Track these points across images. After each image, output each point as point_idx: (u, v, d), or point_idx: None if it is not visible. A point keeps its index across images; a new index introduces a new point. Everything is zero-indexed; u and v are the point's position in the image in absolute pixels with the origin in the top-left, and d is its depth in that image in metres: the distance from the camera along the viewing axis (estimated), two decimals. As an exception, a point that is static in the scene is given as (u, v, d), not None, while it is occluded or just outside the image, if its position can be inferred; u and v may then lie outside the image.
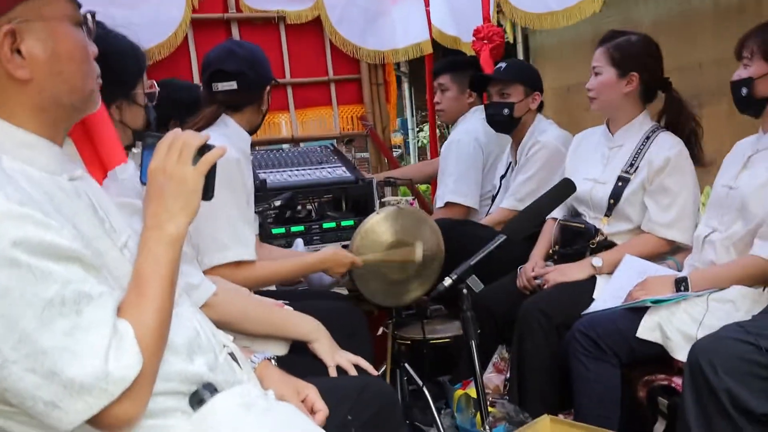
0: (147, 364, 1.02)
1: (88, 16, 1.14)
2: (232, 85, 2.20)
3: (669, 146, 2.31)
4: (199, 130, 2.15)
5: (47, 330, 0.94)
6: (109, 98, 1.54)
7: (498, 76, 2.89)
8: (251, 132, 2.31)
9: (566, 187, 1.99)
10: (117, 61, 1.54)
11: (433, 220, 2.51)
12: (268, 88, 2.24)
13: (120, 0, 3.30)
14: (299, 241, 2.69)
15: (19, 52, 1.04)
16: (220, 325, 1.61)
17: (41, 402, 0.95)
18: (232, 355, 1.29)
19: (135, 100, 1.68)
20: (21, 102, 1.07)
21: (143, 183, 1.18)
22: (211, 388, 1.16)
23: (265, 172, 3.22)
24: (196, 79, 3.57)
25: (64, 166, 1.13)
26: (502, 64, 2.91)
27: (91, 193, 1.17)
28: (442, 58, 3.60)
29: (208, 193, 1.16)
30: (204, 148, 1.16)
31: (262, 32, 3.72)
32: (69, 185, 1.12)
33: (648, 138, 2.36)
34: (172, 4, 3.47)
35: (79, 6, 1.12)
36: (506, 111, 2.86)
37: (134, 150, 1.72)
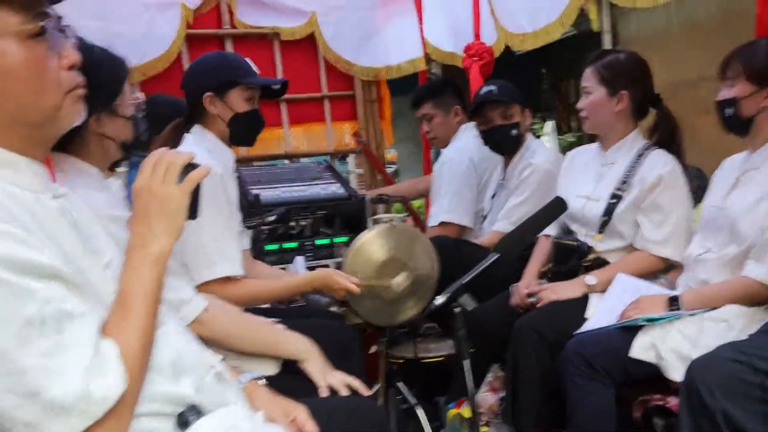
0: (131, 384, 1.00)
1: (47, 21, 1.04)
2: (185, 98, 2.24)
3: (662, 164, 2.30)
4: (166, 140, 2.14)
5: (26, 349, 0.92)
6: (87, 110, 1.52)
7: (501, 98, 2.89)
8: (236, 143, 2.27)
9: (558, 206, 1.98)
10: (91, 72, 1.51)
11: (429, 238, 2.49)
12: (207, 94, 2.15)
13: (115, 14, 3.31)
14: (299, 259, 2.66)
15: None
16: (211, 342, 1.59)
17: (21, 423, 0.93)
18: (219, 375, 1.26)
19: (117, 111, 1.63)
20: None
21: (129, 202, 1.17)
22: (197, 410, 1.14)
23: (259, 188, 3.21)
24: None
25: (48, 184, 1.12)
26: (493, 88, 2.90)
27: (75, 211, 1.15)
28: (415, 89, 3.55)
29: (194, 212, 1.15)
30: (189, 167, 1.15)
31: (257, 48, 3.72)
32: (53, 203, 1.10)
33: (641, 155, 2.36)
34: (167, 20, 3.48)
35: (38, 14, 1.03)
36: (514, 132, 2.89)
37: (120, 169, 1.70)
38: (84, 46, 1.57)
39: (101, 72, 1.52)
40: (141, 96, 1.73)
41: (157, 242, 1.11)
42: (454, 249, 2.68)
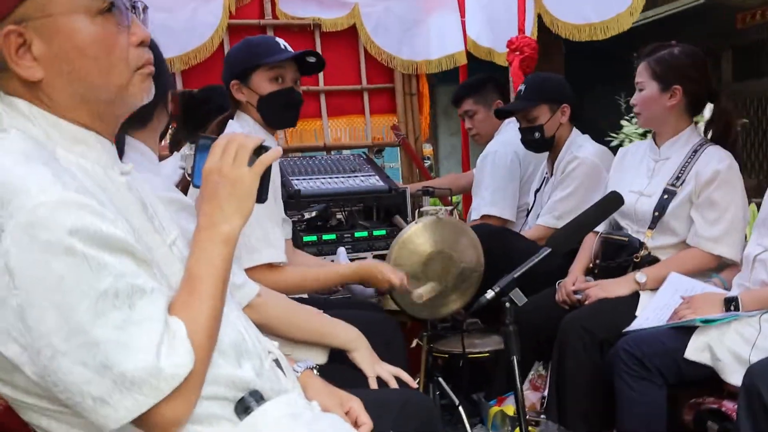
0: (198, 363, 0.98)
1: (116, 1, 1.03)
2: None
3: (718, 159, 2.25)
4: (217, 126, 2.14)
5: (101, 322, 0.91)
6: None
7: (518, 106, 2.86)
8: (274, 126, 2.25)
9: (614, 201, 1.94)
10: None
11: (473, 226, 2.46)
12: (233, 82, 2.16)
13: (158, 4, 3.30)
14: (342, 250, 2.65)
15: (30, 53, 0.99)
16: (262, 328, 1.57)
17: (90, 398, 0.92)
18: (276, 362, 1.25)
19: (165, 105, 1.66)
20: (52, 98, 1.02)
21: (195, 185, 1.16)
22: (258, 396, 1.12)
23: (298, 179, 3.19)
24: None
25: (116, 160, 1.11)
26: (522, 87, 2.87)
27: (140, 189, 1.15)
28: (458, 87, 3.53)
29: (262, 195, 1.14)
30: (259, 150, 1.14)
31: (297, 39, 3.69)
32: (121, 179, 1.10)
33: (696, 151, 2.31)
34: (209, 9, 3.48)
35: None
36: (537, 134, 2.83)
37: (186, 151, 1.70)
38: None
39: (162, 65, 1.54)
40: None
41: (227, 223, 1.09)
42: (498, 237, 2.65)
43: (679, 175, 2.29)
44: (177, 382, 0.95)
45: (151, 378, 0.93)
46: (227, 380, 1.08)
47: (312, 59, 2.24)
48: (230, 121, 2.18)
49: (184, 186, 2.33)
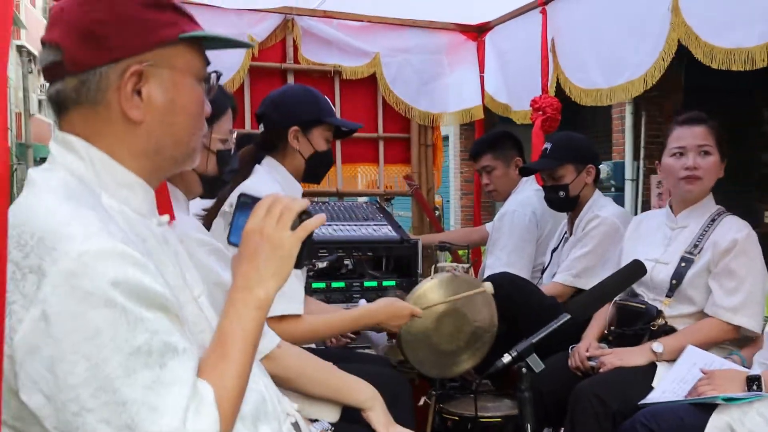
0: (223, 430, 0.95)
1: (213, 75, 1.14)
2: (262, 127, 2.26)
3: (737, 229, 2.24)
4: (239, 171, 2.13)
5: (131, 380, 0.88)
6: None
7: (545, 165, 2.85)
8: (305, 179, 2.28)
9: (636, 270, 1.91)
10: None
11: (494, 275, 2.43)
12: (294, 128, 2.18)
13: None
14: (363, 303, 2.61)
15: (139, 93, 1.03)
16: (278, 380, 1.54)
17: None
18: (295, 425, 1.21)
19: (203, 142, 1.64)
20: (127, 143, 1.05)
21: (231, 243, 1.14)
22: None
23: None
24: (248, 126, 3.60)
25: (154, 210, 1.11)
26: (548, 145, 2.87)
27: (174, 241, 1.13)
28: (476, 141, 3.55)
29: (301, 261, 1.12)
30: (303, 215, 1.12)
31: (317, 84, 3.68)
32: (158, 230, 1.09)
33: (714, 220, 2.30)
34: (232, 50, 3.50)
35: (208, 63, 1.13)
36: (562, 193, 2.83)
37: (225, 209, 1.69)
38: None
39: None
40: (233, 136, 1.71)
41: (263, 286, 1.07)
42: (519, 285, 2.62)
43: (697, 243, 2.27)
44: None
45: None
46: None
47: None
48: (257, 166, 2.17)
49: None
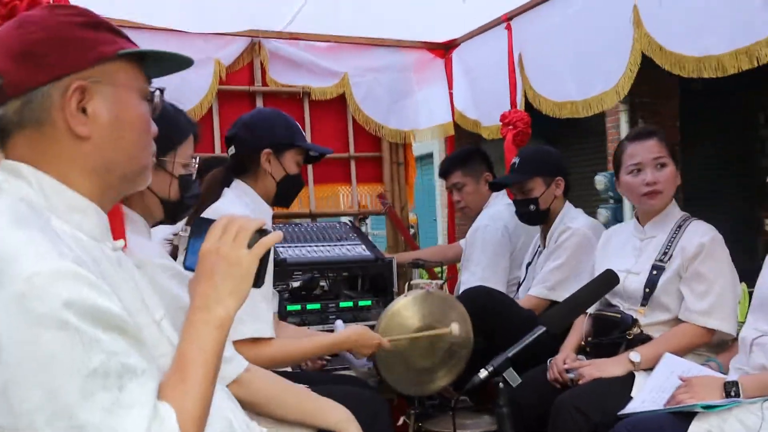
0: None
1: (156, 93, 1.13)
2: (232, 149, 2.23)
3: (702, 233, 2.26)
4: (206, 192, 2.11)
5: (88, 404, 0.85)
6: None
7: (513, 179, 2.86)
8: (275, 203, 2.26)
9: (609, 279, 1.91)
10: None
11: (471, 288, 2.41)
12: (266, 150, 2.17)
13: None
14: (339, 323, 2.57)
15: (84, 111, 1.02)
16: (248, 405, 1.50)
17: None
18: (264, 449, 1.17)
19: (162, 166, 1.61)
20: (77, 162, 1.03)
21: (187, 268, 1.13)
22: None
23: (283, 247, 3.14)
24: (217, 150, 3.56)
25: (108, 235, 1.08)
26: (516, 160, 2.88)
27: (130, 265, 1.10)
28: (445, 159, 3.53)
29: (259, 279, 1.10)
30: (260, 232, 1.11)
31: (286, 106, 3.67)
32: (113, 254, 1.06)
33: (680, 227, 2.32)
34: (200, 74, 3.48)
35: (150, 82, 1.14)
36: (532, 207, 2.83)
37: (181, 233, 1.66)
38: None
39: (160, 123, 1.50)
40: (196, 161, 1.69)
41: (222, 306, 1.04)
42: (496, 297, 2.63)
43: (666, 250, 2.29)
44: None
45: None
46: None
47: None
48: (226, 189, 2.15)
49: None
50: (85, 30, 1.04)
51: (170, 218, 1.68)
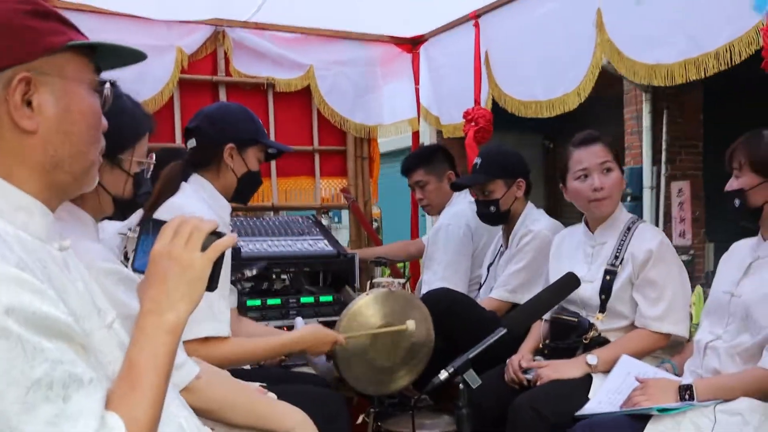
0: None
1: (107, 86, 1.08)
2: (193, 142, 2.18)
3: (650, 238, 2.28)
4: (163, 186, 2.06)
5: (30, 416, 0.81)
6: None
7: (474, 180, 2.86)
8: (233, 199, 2.22)
9: (571, 282, 1.92)
10: (111, 117, 1.44)
11: (432, 289, 2.40)
12: (230, 145, 2.13)
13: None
14: (299, 320, 2.54)
15: (29, 104, 0.96)
16: (200, 412, 1.46)
17: None
18: (218, 455, 1.14)
19: (119, 164, 1.55)
20: (22, 159, 0.97)
21: (136, 270, 1.09)
22: None
23: (243, 240, 3.10)
24: (178, 141, 3.49)
25: (54, 234, 1.03)
26: (478, 160, 2.86)
27: (79, 266, 1.06)
28: (407, 157, 3.48)
29: (213, 283, 1.06)
30: (214, 235, 1.07)
31: (250, 98, 3.65)
32: (59, 255, 1.01)
33: (629, 229, 2.33)
34: (161, 63, 3.40)
35: (101, 74, 1.08)
36: (492, 208, 2.82)
37: (129, 234, 1.61)
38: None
39: (121, 120, 1.44)
40: (152, 159, 1.63)
41: (174, 311, 1.00)
42: (460, 303, 2.61)
43: (617, 254, 2.30)
44: None
45: None
46: None
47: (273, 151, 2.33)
48: (184, 183, 2.10)
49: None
50: (33, 19, 0.98)
51: (120, 215, 1.63)
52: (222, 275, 1.97)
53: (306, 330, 2.14)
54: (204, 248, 1.05)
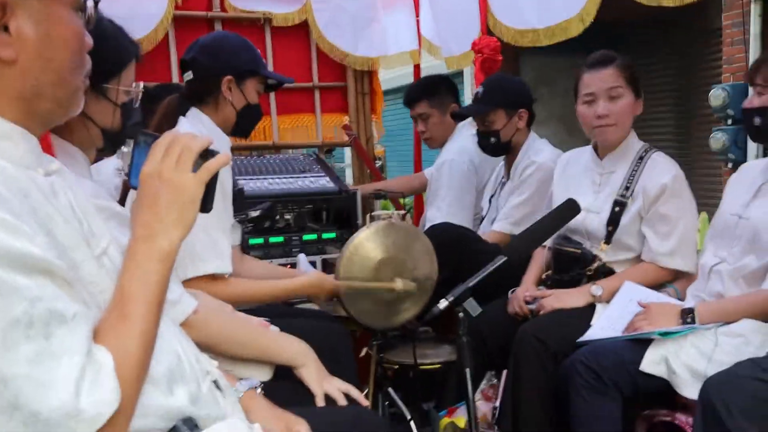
0: (126, 399, 0.87)
1: (90, 3, 1.00)
2: (189, 74, 2.11)
3: (665, 171, 2.21)
4: (161, 122, 2.03)
5: (10, 355, 0.79)
6: None
7: (475, 110, 2.79)
8: (233, 133, 2.18)
9: (570, 209, 1.89)
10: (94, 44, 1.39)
11: (434, 225, 2.38)
12: (228, 77, 2.06)
13: (99, -9, 3.14)
14: (302, 257, 2.52)
15: (6, 29, 0.90)
16: (200, 346, 1.47)
17: None
18: (215, 383, 1.14)
19: (105, 94, 1.50)
20: (1, 86, 0.92)
21: (132, 186, 1.04)
22: (191, 424, 1.01)
23: (244, 179, 3.07)
24: (175, 79, 3.43)
25: (40, 160, 0.99)
26: (480, 90, 2.80)
27: (69, 190, 1.02)
28: (410, 88, 3.42)
29: (207, 204, 1.03)
30: (205, 154, 1.03)
31: (247, 33, 3.44)
32: (45, 182, 0.97)
33: (641, 158, 2.25)
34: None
35: None
36: (493, 139, 2.77)
37: (123, 149, 1.57)
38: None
39: (105, 47, 1.39)
40: (140, 87, 1.58)
41: (166, 236, 0.98)
42: (461, 237, 2.60)
43: (628, 185, 2.23)
44: (99, 424, 0.83)
45: (69, 420, 0.81)
46: (158, 411, 0.97)
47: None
48: (182, 118, 2.06)
49: (125, 190, 2.20)
50: None
51: (110, 148, 1.59)
52: (222, 209, 1.97)
53: (311, 277, 2.15)
54: (196, 169, 1.01)
